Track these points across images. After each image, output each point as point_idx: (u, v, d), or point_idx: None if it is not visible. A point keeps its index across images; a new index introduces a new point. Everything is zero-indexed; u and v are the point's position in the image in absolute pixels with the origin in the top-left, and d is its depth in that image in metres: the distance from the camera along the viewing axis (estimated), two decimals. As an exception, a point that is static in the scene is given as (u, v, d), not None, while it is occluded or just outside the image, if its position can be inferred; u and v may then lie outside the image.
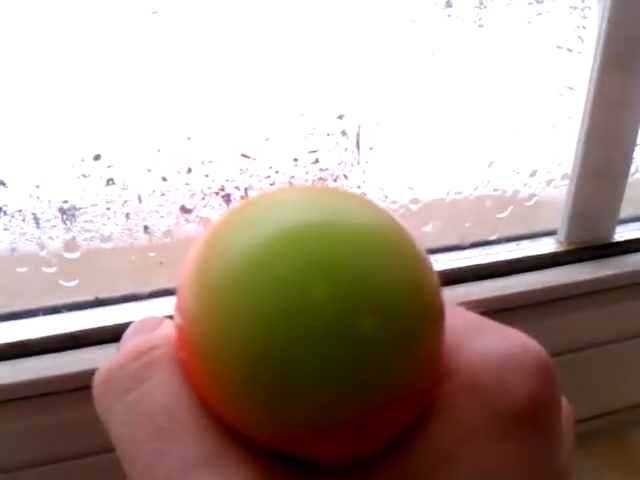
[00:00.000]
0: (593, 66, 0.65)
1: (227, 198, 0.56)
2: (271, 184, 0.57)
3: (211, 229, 0.21)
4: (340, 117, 0.57)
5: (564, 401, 0.24)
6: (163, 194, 0.54)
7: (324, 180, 0.59)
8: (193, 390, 0.21)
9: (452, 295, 0.64)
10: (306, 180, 0.58)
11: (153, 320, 0.25)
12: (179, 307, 0.21)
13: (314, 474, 0.20)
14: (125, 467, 0.20)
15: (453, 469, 0.20)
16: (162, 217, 0.55)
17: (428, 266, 0.21)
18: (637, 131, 0.69)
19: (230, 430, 0.20)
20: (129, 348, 0.22)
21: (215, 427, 0.20)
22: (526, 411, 0.21)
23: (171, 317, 0.23)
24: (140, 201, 0.54)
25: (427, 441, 0.20)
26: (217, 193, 0.55)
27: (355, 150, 0.59)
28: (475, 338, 0.23)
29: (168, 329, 0.24)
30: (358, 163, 0.60)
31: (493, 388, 0.21)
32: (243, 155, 0.55)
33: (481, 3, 0.59)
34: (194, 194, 0.55)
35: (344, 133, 0.58)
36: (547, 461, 0.21)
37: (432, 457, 0.20)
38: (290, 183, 0.57)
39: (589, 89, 0.66)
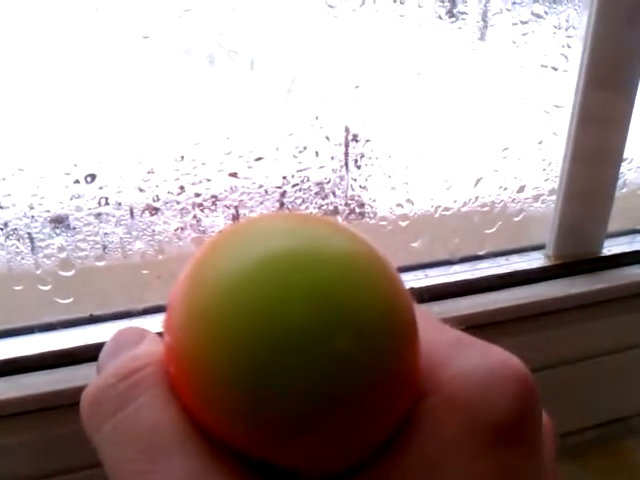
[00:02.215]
0: (578, 84, 0.66)
1: (218, 216, 0.57)
2: (261, 202, 0.58)
3: (200, 252, 0.22)
4: (327, 138, 0.59)
5: (544, 414, 0.24)
6: (155, 213, 0.56)
7: (313, 197, 0.60)
8: (181, 407, 0.21)
9: (442, 310, 0.65)
10: (296, 198, 0.59)
11: (134, 333, 0.25)
12: (169, 326, 0.22)
13: None
14: None
15: None
16: (155, 235, 0.56)
17: (401, 287, 0.22)
18: (623, 147, 0.71)
19: (218, 443, 0.21)
20: (115, 368, 0.23)
21: (203, 445, 0.21)
22: (508, 426, 0.21)
23: (160, 334, 0.24)
24: (133, 218, 0.55)
25: (410, 456, 0.21)
26: (204, 209, 0.57)
27: (343, 168, 0.61)
28: (457, 355, 0.23)
29: (153, 344, 0.24)
30: (346, 180, 0.61)
31: (475, 404, 0.21)
32: (231, 174, 0.56)
33: (475, 23, 0.61)
34: (186, 213, 0.57)
35: (332, 152, 0.60)
36: (529, 475, 0.22)
37: (415, 471, 0.20)
38: (280, 202, 0.58)
39: (574, 106, 0.67)
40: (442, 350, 0.23)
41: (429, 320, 0.25)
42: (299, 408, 0.19)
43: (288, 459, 0.20)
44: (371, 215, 0.64)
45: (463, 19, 0.61)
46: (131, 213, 0.55)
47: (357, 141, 0.60)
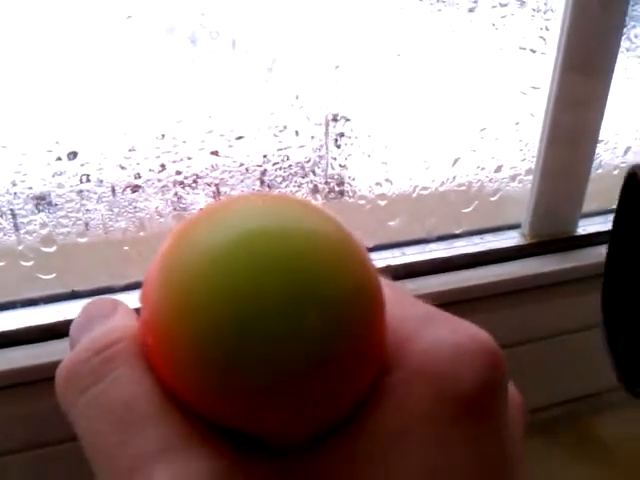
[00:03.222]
0: (555, 66, 0.67)
1: (199, 194, 0.58)
2: (241, 180, 0.59)
3: (176, 229, 0.24)
4: (308, 117, 0.59)
5: (514, 390, 0.25)
6: (136, 190, 0.56)
7: (293, 176, 0.61)
8: (156, 380, 0.22)
9: (417, 287, 0.66)
10: (276, 176, 0.60)
11: (106, 304, 0.25)
12: (145, 299, 0.23)
13: (271, 454, 0.22)
14: (90, 460, 0.21)
15: (402, 453, 0.21)
16: (136, 212, 0.57)
17: (368, 264, 0.23)
18: (599, 128, 0.72)
19: (193, 414, 0.21)
20: (89, 342, 0.23)
21: (178, 416, 0.21)
22: (474, 398, 0.22)
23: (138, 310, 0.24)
24: (114, 196, 0.56)
25: (377, 425, 0.22)
26: (185, 187, 0.57)
27: (323, 147, 0.61)
28: (426, 329, 0.23)
29: (126, 316, 0.24)
30: (326, 160, 0.62)
31: (442, 376, 0.22)
32: (212, 153, 0.56)
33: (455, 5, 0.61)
34: (168, 190, 0.57)
35: (312, 131, 0.60)
36: (495, 446, 0.22)
37: (381, 440, 0.21)
38: (260, 180, 0.59)
39: (551, 88, 0.68)
40: (412, 324, 0.24)
41: (401, 295, 0.25)
42: (269, 377, 0.20)
43: (259, 427, 0.21)
44: (350, 194, 0.64)
45: (443, 1, 0.61)
46: (112, 190, 0.56)
47: (337, 121, 0.61)
